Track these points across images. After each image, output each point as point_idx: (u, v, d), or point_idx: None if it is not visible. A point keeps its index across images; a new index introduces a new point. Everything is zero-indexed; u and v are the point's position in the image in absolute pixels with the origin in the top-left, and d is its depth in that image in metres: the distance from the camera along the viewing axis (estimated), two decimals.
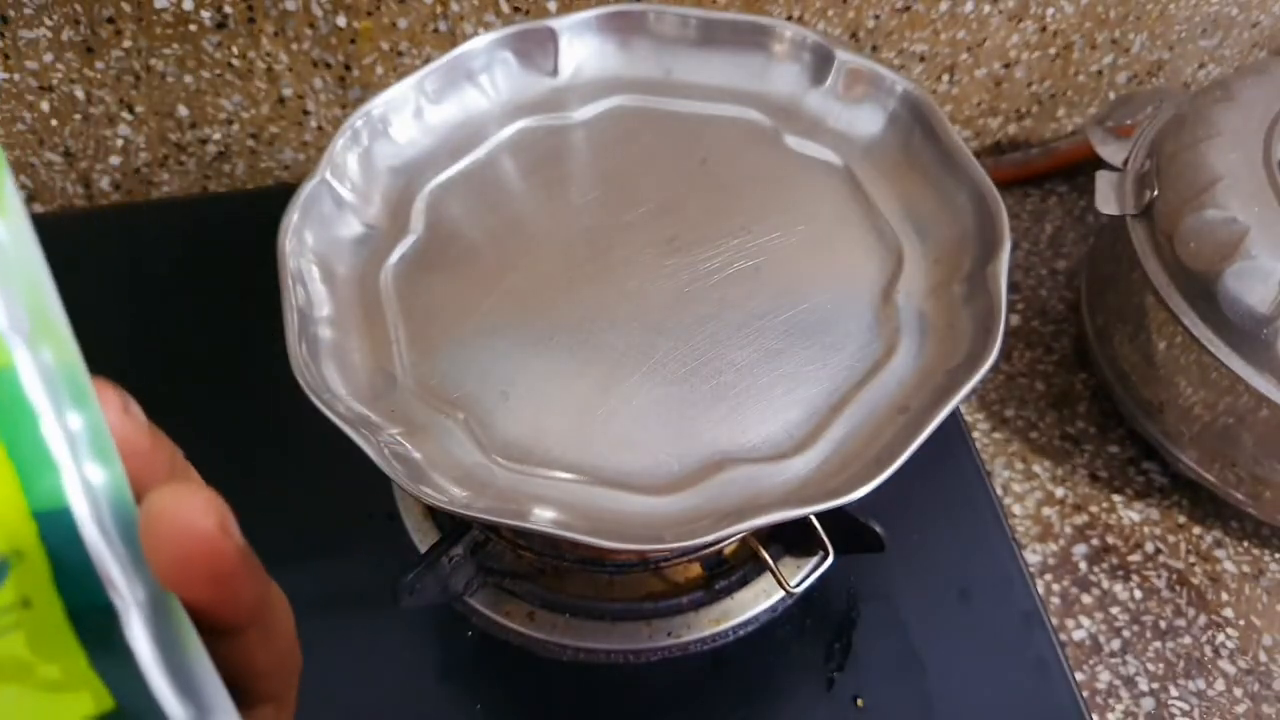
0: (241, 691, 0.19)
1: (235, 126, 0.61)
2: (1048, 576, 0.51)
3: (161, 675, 0.17)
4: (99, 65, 0.57)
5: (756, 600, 0.43)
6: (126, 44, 0.56)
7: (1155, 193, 0.50)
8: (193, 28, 0.56)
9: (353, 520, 0.47)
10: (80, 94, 0.58)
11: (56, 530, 0.16)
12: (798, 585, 0.42)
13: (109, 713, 0.17)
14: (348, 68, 0.59)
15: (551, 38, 0.46)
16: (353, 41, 0.58)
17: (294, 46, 0.58)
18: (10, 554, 0.16)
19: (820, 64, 0.45)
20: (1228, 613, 0.50)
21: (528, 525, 0.32)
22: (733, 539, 0.42)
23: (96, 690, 0.17)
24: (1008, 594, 0.47)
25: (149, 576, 0.17)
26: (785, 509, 0.32)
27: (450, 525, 0.43)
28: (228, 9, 0.55)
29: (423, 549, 0.44)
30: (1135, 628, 0.49)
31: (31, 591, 0.16)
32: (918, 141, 0.43)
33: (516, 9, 0.58)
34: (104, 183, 0.63)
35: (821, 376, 0.37)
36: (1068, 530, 0.53)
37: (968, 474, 0.51)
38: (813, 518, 0.42)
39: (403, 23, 0.57)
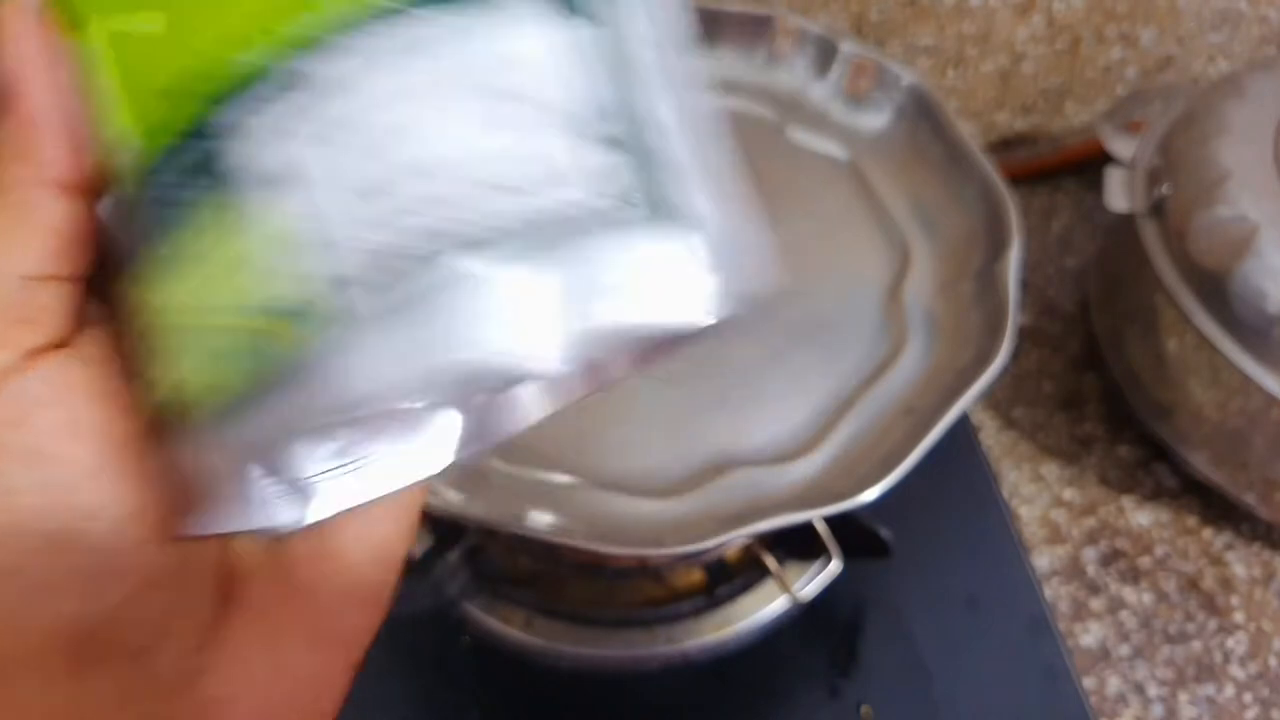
0: None
1: None
2: (1056, 581, 0.50)
3: None
4: None
5: (759, 607, 0.43)
6: None
7: (1165, 189, 0.50)
8: None
9: None
10: None
11: None
12: (802, 591, 0.41)
13: None
14: None
15: None
16: None
17: None
18: None
19: (824, 57, 0.44)
20: (1238, 617, 0.49)
21: (524, 529, 0.31)
22: (735, 543, 0.41)
23: None
24: (1015, 599, 0.46)
25: None
26: (790, 513, 0.31)
27: (446, 529, 0.43)
28: None
29: (417, 553, 0.43)
30: (1145, 633, 0.49)
31: None
32: (924, 136, 0.42)
33: None
34: None
35: (826, 377, 0.36)
36: (1076, 534, 0.52)
37: (975, 476, 0.50)
38: (817, 522, 0.41)
39: None
